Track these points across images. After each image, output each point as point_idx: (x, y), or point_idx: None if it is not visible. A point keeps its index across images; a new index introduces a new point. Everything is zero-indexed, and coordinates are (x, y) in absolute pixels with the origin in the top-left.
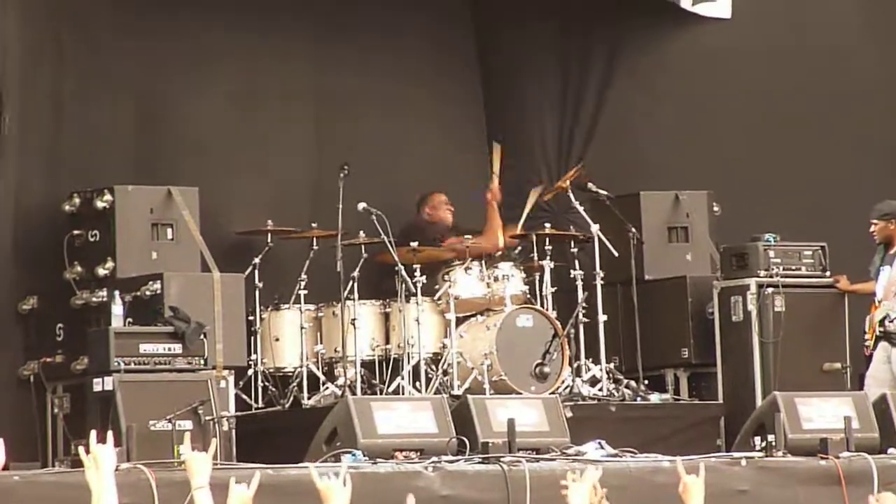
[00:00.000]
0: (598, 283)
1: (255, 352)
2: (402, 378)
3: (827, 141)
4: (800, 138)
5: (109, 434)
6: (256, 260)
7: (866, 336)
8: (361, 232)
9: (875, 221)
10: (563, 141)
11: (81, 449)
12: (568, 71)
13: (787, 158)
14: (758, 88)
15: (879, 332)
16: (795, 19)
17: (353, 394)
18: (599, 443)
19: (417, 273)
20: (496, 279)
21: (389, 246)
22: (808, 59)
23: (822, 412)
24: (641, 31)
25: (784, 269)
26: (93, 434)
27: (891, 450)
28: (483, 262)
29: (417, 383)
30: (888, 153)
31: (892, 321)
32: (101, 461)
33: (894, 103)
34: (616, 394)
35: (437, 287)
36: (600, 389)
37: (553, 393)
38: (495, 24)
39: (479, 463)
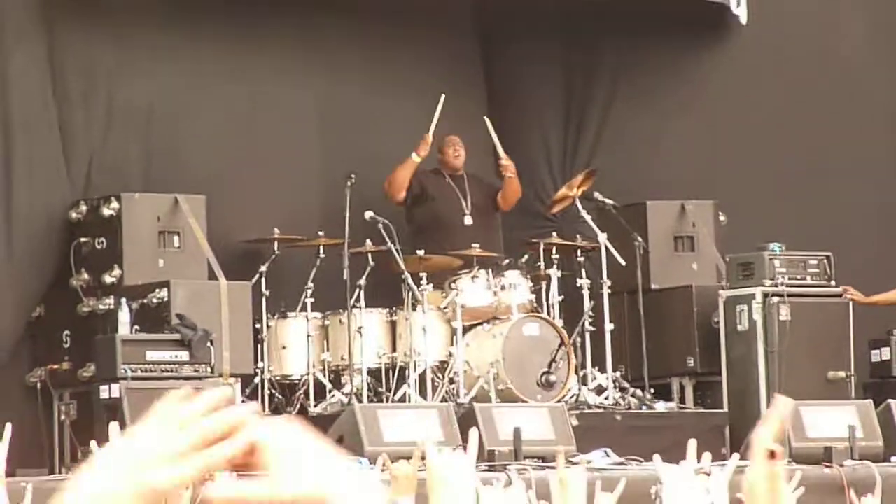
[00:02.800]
0: (605, 291)
1: (262, 359)
2: (409, 386)
3: (832, 151)
4: (805, 148)
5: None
6: (263, 268)
7: None
8: (368, 240)
9: None
10: (568, 152)
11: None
12: (572, 82)
13: (792, 168)
14: (763, 99)
15: None
16: (802, 32)
17: (360, 402)
18: (605, 451)
19: (424, 281)
20: (503, 288)
21: (396, 254)
22: (814, 71)
23: (827, 421)
24: (647, 44)
25: (789, 279)
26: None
27: (894, 458)
28: (490, 270)
29: (424, 391)
30: (893, 163)
31: None
32: None
33: (875, 129)
34: (622, 402)
35: (443, 294)
36: (606, 398)
37: (559, 401)
38: (500, 36)
39: (485, 471)
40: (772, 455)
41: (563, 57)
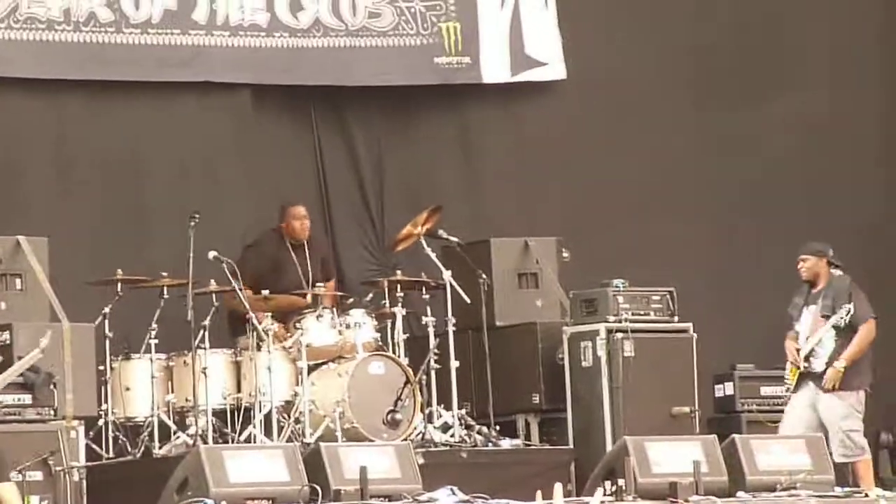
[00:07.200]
0: (450, 329)
1: (106, 401)
2: (254, 426)
3: (669, 189)
4: (645, 187)
5: None
6: (106, 309)
7: (787, 377)
8: (212, 280)
9: (805, 257)
10: (390, 199)
11: None
12: (395, 137)
13: (633, 206)
14: (596, 138)
15: (804, 367)
16: (623, 75)
17: (205, 443)
18: (451, 489)
19: (269, 321)
20: (347, 326)
21: (240, 294)
22: (644, 114)
23: (672, 456)
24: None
25: (633, 314)
26: None
27: (739, 493)
28: (334, 309)
29: (269, 432)
30: (722, 194)
31: (817, 358)
32: None
33: (708, 165)
34: (468, 440)
35: (288, 334)
36: (452, 435)
37: (405, 440)
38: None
39: None
40: None
41: (380, 112)
